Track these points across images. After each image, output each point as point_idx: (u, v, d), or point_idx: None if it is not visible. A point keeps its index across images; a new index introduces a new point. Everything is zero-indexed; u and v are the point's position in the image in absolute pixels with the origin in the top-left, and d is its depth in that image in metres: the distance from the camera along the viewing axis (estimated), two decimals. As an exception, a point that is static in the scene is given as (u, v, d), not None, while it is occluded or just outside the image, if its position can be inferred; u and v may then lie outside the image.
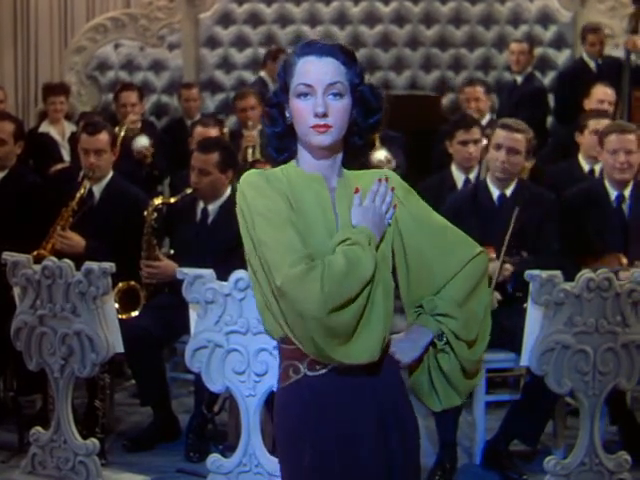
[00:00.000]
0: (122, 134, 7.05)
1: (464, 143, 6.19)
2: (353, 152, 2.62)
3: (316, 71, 2.51)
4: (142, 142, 7.36)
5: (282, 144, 2.61)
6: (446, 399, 2.65)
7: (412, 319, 2.63)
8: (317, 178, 2.57)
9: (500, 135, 5.17)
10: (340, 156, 2.60)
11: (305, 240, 2.46)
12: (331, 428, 2.49)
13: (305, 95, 2.51)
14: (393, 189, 2.59)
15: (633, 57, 8.20)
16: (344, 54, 2.54)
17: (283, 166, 2.61)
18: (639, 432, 5.07)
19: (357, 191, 2.56)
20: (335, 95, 2.51)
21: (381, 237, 2.55)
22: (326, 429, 2.49)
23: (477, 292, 2.63)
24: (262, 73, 9.15)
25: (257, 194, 2.50)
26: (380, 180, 2.59)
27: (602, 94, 7.34)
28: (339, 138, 2.54)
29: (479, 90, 8.05)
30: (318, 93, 2.50)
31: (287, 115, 2.57)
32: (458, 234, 2.67)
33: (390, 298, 2.51)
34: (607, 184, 5.33)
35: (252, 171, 2.58)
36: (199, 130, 6.70)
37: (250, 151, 7.36)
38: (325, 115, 2.49)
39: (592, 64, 8.61)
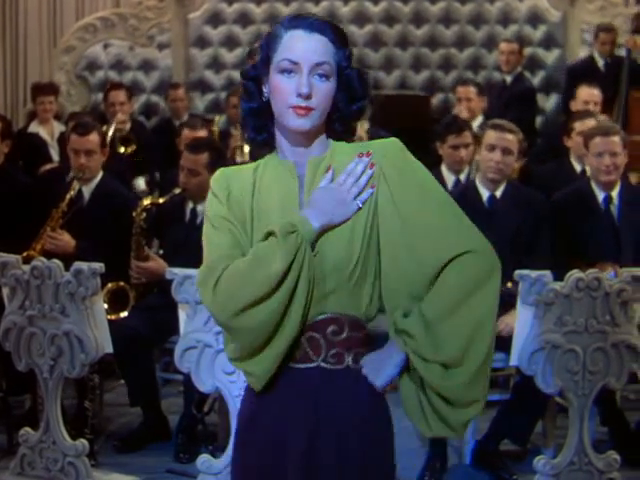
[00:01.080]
0: (110, 134, 7.03)
1: (455, 147, 6.17)
2: (334, 138, 2.41)
3: (304, 47, 2.30)
4: (140, 187, 7.36)
5: (259, 122, 2.41)
6: (436, 426, 2.33)
7: (390, 332, 2.35)
8: (287, 167, 2.38)
9: (492, 136, 5.16)
10: (319, 139, 2.38)
11: (251, 239, 2.34)
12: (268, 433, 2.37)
13: (289, 72, 2.31)
14: (373, 165, 2.34)
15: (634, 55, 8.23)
16: (335, 33, 2.34)
17: (262, 161, 2.44)
18: (629, 432, 5.08)
19: (329, 169, 2.36)
20: (321, 76, 2.31)
21: (344, 222, 2.31)
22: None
23: (467, 302, 2.27)
24: (247, 72, 9.16)
25: (212, 197, 2.42)
26: (361, 155, 2.36)
27: (587, 95, 7.34)
28: (319, 123, 2.34)
29: (472, 90, 8.05)
30: (304, 72, 2.29)
31: (264, 90, 2.38)
32: (452, 219, 2.36)
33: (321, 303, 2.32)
34: (594, 186, 5.33)
35: (220, 171, 2.46)
36: (187, 133, 6.67)
37: (238, 151, 7.35)
38: (309, 97, 2.29)
39: (601, 63, 8.63)
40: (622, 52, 8.67)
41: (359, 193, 2.33)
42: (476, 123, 7.50)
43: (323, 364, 2.35)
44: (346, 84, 2.36)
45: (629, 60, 8.21)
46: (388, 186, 2.33)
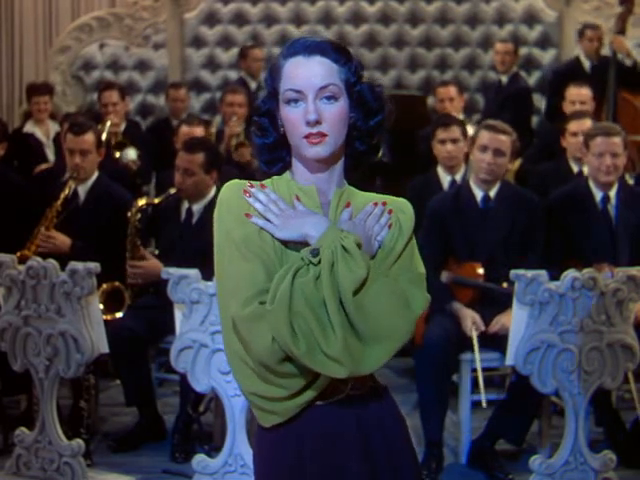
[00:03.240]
0: (104, 135, 7.03)
1: (442, 142, 6.15)
2: (356, 159, 2.35)
3: (305, 74, 2.24)
4: (130, 156, 7.34)
5: (274, 155, 2.35)
6: None
7: None
8: (309, 190, 2.30)
9: (485, 137, 5.15)
10: (339, 166, 2.33)
11: (284, 265, 2.21)
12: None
13: (295, 102, 2.24)
14: (391, 211, 2.32)
15: (619, 57, 8.19)
16: (335, 51, 2.27)
17: (275, 178, 2.35)
18: (624, 431, 5.09)
19: (348, 205, 2.31)
20: (328, 99, 2.24)
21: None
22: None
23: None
24: (242, 73, 9.17)
25: (232, 216, 2.26)
26: (376, 204, 2.32)
27: (575, 95, 7.31)
28: (337, 147, 2.28)
29: (452, 90, 8.10)
30: (309, 98, 2.23)
31: (280, 124, 2.30)
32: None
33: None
34: (592, 185, 5.32)
35: (235, 184, 2.31)
36: (184, 129, 6.70)
37: (234, 140, 7.37)
38: (318, 122, 2.22)
39: (587, 64, 8.55)
40: (608, 52, 8.67)
41: (378, 234, 2.30)
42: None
43: (351, 392, 2.29)
44: (359, 100, 2.30)
45: (615, 61, 8.18)
46: (403, 235, 2.31)
